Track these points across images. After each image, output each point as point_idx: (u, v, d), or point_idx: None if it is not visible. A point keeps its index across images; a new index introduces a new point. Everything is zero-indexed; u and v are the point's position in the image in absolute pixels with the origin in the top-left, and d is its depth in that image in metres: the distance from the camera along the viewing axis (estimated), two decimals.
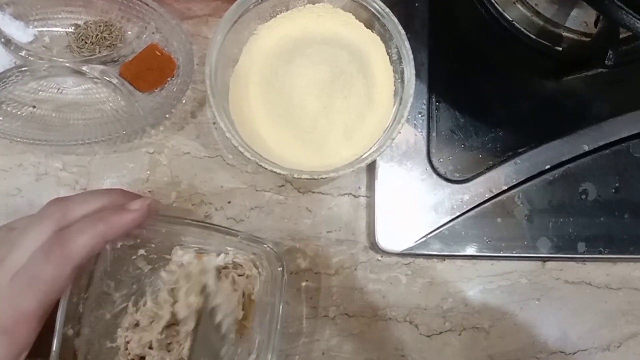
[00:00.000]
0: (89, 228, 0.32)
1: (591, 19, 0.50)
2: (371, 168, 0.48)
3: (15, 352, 0.31)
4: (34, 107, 0.46)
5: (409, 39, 0.44)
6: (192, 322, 0.40)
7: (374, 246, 0.48)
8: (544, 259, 0.50)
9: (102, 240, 0.33)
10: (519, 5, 0.51)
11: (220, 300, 0.41)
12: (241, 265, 0.44)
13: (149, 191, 0.47)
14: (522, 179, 0.49)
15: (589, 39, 0.50)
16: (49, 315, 0.33)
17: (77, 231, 0.32)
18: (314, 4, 0.46)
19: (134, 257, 0.43)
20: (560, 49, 0.51)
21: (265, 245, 0.41)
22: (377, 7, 0.44)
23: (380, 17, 0.45)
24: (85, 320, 0.40)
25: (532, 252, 0.48)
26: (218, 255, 0.42)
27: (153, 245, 0.43)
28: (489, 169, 0.49)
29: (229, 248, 0.43)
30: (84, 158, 0.47)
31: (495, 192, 0.48)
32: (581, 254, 0.49)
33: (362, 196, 0.49)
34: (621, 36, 0.45)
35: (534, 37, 0.52)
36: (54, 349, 0.34)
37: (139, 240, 0.42)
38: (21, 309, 0.31)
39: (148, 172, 0.47)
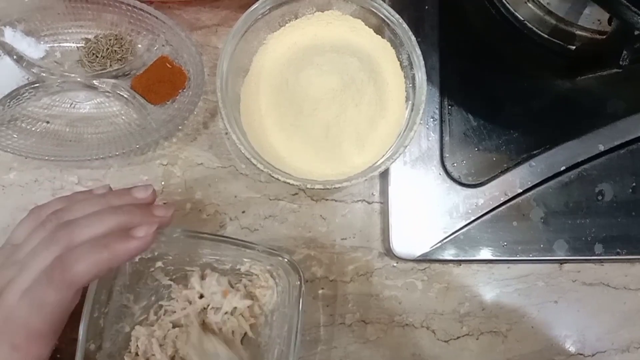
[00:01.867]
0: (91, 255, 0.32)
1: (605, 16, 0.49)
2: (384, 174, 0.48)
3: None
4: (47, 122, 0.47)
5: (420, 43, 0.44)
6: None
7: (389, 252, 0.47)
8: (561, 262, 0.49)
9: (105, 266, 0.33)
10: (530, 5, 0.51)
11: None
12: (257, 276, 0.44)
13: (164, 202, 0.47)
14: (537, 181, 0.48)
15: (603, 37, 0.49)
16: (61, 331, 0.34)
17: (79, 257, 0.32)
18: (322, 12, 0.46)
19: (152, 269, 0.43)
20: (574, 47, 0.51)
21: (282, 258, 0.41)
22: (387, 13, 0.44)
23: (389, 23, 0.44)
24: (106, 334, 0.40)
25: (548, 255, 0.48)
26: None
27: (170, 258, 0.43)
28: (503, 172, 0.48)
29: (245, 259, 0.43)
30: (98, 171, 0.47)
31: (511, 195, 0.48)
32: (598, 255, 0.48)
33: (376, 202, 0.49)
34: (636, 33, 0.44)
35: (546, 36, 0.51)
36: None
37: (156, 253, 0.43)
38: (30, 329, 0.32)
39: (162, 184, 0.48)
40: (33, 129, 0.46)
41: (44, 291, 0.32)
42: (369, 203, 0.49)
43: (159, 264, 0.43)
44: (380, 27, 0.46)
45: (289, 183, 0.41)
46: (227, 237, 0.41)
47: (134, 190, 0.37)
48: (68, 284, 0.32)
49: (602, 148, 0.49)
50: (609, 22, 0.49)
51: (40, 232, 0.34)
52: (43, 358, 0.33)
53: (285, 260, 0.41)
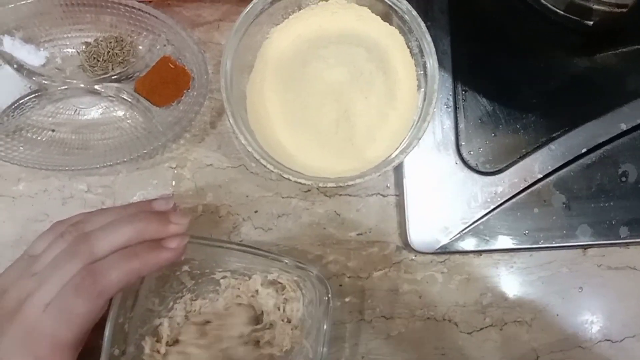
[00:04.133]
0: (123, 264, 0.32)
1: None
2: (398, 165, 0.46)
3: None
4: (53, 130, 0.46)
5: (429, 28, 0.42)
6: None
7: (406, 246, 0.46)
8: (585, 247, 0.48)
9: (136, 275, 0.33)
10: None
11: None
12: (282, 284, 0.43)
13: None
14: (557, 166, 0.47)
15: (623, 11, 0.47)
16: (84, 343, 0.33)
17: (111, 266, 0.32)
18: (327, 1, 0.44)
19: (178, 273, 0.43)
20: (591, 23, 0.48)
21: (309, 272, 0.40)
22: None
23: (397, 9, 0.42)
24: (130, 338, 0.40)
25: (572, 241, 0.46)
26: None
27: (197, 262, 0.43)
28: (522, 157, 0.47)
29: (272, 269, 0.43)
30: (107, 178, 0.47)
31: (530, 181, 0.46)
32: (624, 238, 0.47)
33: (391, 195, 0.48)
34: None
35: (561, 12, 0.49)
36: None
37: (183, 258, 0.42)
38: (56, 340, 0.31)
39: (173, 187, 0.47)
40: (39, 138, 0.45)
41: (72, 302, 0.31)
42: (383, 196, 0.48)
43: (186, 267, 0.43)
44: (388, 14, 0.44)
45: (300, 183, 0.40)
46: (255, 248, 0.40)
47: (155, 203, 0.37)
48: (99, 293, 0.32)
49: (624, 127, 0.47)
50: None
51: (60, 243, 0.34)
52: None
53: (313, 275, 0.40)
